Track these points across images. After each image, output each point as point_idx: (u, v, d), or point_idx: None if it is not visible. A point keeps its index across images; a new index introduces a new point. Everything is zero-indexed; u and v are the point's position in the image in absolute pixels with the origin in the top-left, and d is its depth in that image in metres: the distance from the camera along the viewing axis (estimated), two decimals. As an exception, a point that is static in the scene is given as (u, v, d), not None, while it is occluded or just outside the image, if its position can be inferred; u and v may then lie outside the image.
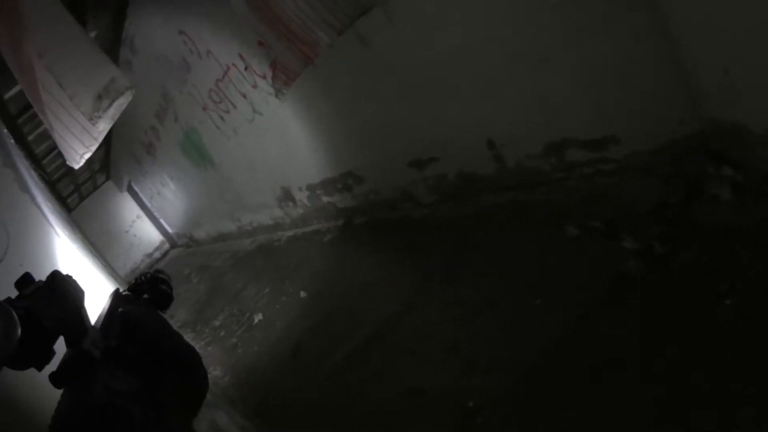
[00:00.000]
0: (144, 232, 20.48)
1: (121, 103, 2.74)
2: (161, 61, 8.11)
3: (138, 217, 20.27)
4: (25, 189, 2.44)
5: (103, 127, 2.77)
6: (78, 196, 17.60)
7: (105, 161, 16.20)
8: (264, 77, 6.52)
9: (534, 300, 3.43)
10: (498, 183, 5.00)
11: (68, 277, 1.59)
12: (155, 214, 19.29)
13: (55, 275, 1.51)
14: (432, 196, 5.95)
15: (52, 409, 1.36)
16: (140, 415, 1.52)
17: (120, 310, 1.92)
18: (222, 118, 8.31)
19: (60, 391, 1.41)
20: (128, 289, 2.27)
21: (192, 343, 7.12)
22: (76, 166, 2.99)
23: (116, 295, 2.02)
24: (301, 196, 8.52)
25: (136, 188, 18.39)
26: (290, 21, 5.32)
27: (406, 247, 5.56)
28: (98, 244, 17.44)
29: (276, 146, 7.95)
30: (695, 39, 3.01)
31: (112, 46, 7.84)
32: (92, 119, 2.66)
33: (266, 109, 7.12)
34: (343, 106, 6.04)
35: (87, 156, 2.93)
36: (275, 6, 5.34)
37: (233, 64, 6.78)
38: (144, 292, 2.29)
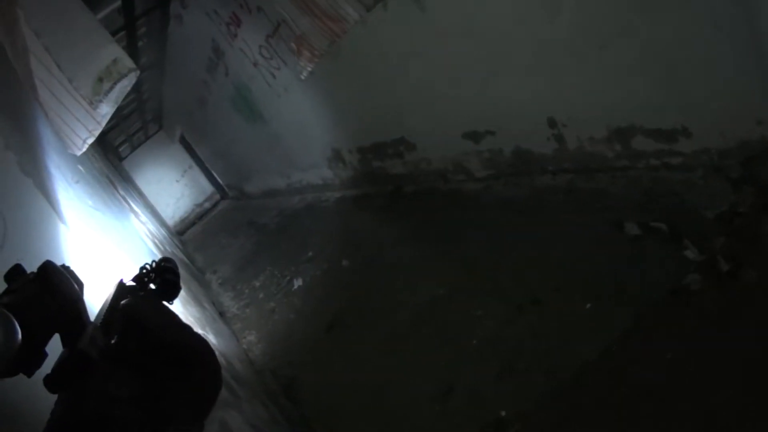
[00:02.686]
0: (195, 182, 20.74)
1: (125, 85, 2.55)
2: (211, 16, 7.95)
3: (189, 167, 20.50)
4: (29, 172, 2.27)
5: (105, 110, 2.59)
6: (129, 145, 17.85)
7: (157, 112, 16.29)
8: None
9: (584, 303, 3.19)
10: (556, 164, 4.72)
11: (63, 268, 1.39)
12: (207, 165, 19.46)
13: (47, 266, 1.32)
14: (485, 170, 5.68)
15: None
16: (140, 425, 1.33)
17: (122, 302, 1.73)
18: (273, 75, 8.12)
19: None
20: (132, 279, 2.10)
21: (231, 303, 7.22)
22: (78, 153, 2.82)
23: (119, 287, 1.84)
24: (352, 159, 8.34)
25: (188, 139, 18.52)
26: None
27: (454, 224, 5.32)
28: (148, 193, 17.76)
29: (327, 106, 7.77)
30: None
31: (162, 0, 7.69)
32: (92, 103, 2.48)
33: (318, 68, 6.90)
34: (398, 70, 5.78)
35: (90, 141, 2.76)
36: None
37: (284, 21, 6.55)
38: (149, 283, 2.11)
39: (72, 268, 1.41)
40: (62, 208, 2.51)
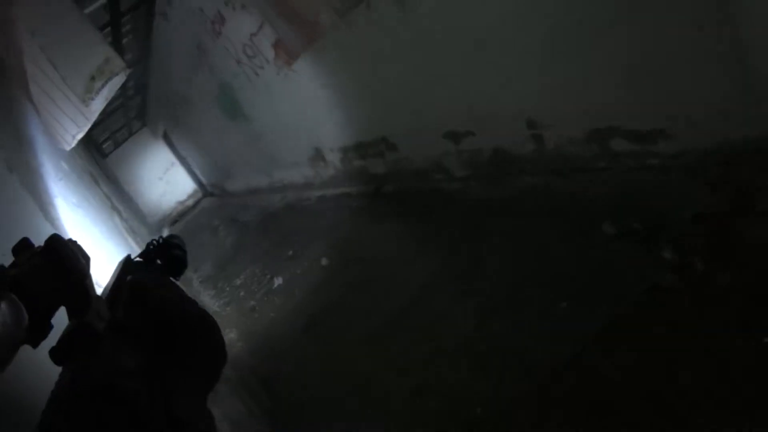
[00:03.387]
0: (177, 179, 20.72)
1: (116, 83, 2.57)
2: (196, 13, 7.94)
3: (172, 164, 20.47)
4: (15, 169, 2.27)
5: (96, 107, 2.61)
6: (113, 142, 17.79)
7: (141, 109, 16.22)
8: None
9: (560, 302, 3.21)
10: (534, 165, 4.74)
11: (70, 242, 1.40)
12: (189, 162, 19.40)
13: (54, 239, 1.33)
14: (465, 170, 5.71)
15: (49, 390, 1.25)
16: (146, 395, 1.35)
17: (129, 278, 1.74)
18: (256, 73, 8.13)
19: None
20: (139, 255, 2.10)
21: (211, 302, 7.20)
22: (68, 148, 2.84)
23: (126, 262, 1.84)
24: (333, 158, 8.35)
25: (171, 136, 18.45)
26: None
27: (433, 224, 5.35)
28: (131, 190, 17.68)
29: (310, 105, 7.75)
30: (765, 36, 2.72)
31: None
32: (84, 101, 2.49)
33: (300, 66, 6.90)
34: (380, 70, 5.78)
35: (80, 136, 2.78)
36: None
37: (266, 21, 6.55)
38: (156, 258, 2.11)
39: (79, 243, 1.40)
40: (47, 205, 2.51)
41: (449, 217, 5.31)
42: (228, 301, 7.30)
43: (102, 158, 15.92)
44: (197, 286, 8.96)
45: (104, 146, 17.07)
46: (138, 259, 2.10)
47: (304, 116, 8.15)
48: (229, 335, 6.10)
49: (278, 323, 5.71)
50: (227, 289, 7.85)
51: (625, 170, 3.89)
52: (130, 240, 6.57)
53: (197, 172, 19.46)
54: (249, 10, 6.75)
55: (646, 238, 3.21)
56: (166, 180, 20.51)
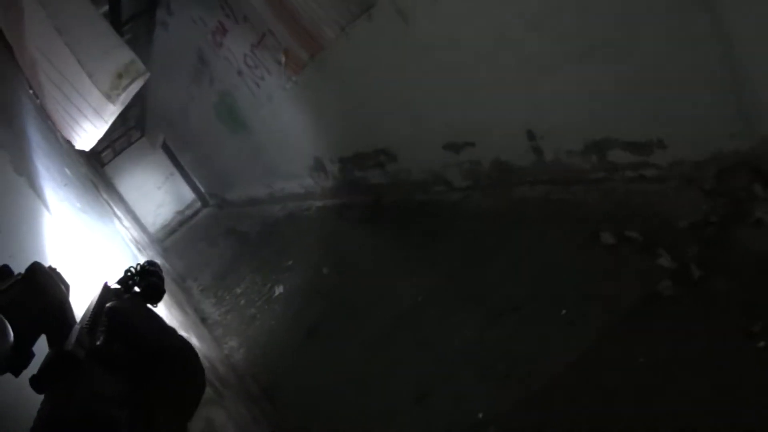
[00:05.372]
0: (176, 189, 20.69)
1: (135, 87, 2.62)
2: (197, 23, 7.98)
3: (171, 174, 20.44)
4: (22, 171, 2.31)
5: (114, 109, 2.66)
6: (112, 151, 17.78)
7: (140, 118, 16.24)
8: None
9: (559, 309, 3.26)
10: (534, 176, 4.80)
11: (51, 270, 1.44)
12: (189, 173, 19.40)
13: (34, 268, 1.36)
14: (465, 181, 5.76)
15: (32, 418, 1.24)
16: (126, 424, 1.37)
17: (107, 305, 1.77)
18: (257, 84, 8.17)
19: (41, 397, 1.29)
20: (117, 282, 2.13)
21: (212, 310, 7.24)
22: (87, 149, 2.88)
23: (105, 289, 1.88)
24: (333, 168, 8.40)
25: (170, 146, 18.46)
26: (297, 12, 5.22)
27: (434, 233, 5.39)
28: (130, 199, 17.66)
29: (310, 116, 7.81)
30: (757, 53, 2.80)
31: (148, 6, 7.74)
32: (110, 97, 2.54)
33: (302, 78, 6.96)
34: (381, 82, 5.84)
35: (98, 138, 2.83)
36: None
37: (269, 31, 6.61)
38: (134, 285, 2.15)
39: (59, 270, 1.45)
40: (54, 208, 2.55)
41: (449, 227, 5.37)
42: (229, 309, 7.33)
43: (101, 166, 15.94)
44: (198, 294, 8.99)
45: (103, 154, 17.08)
46: (116, 286, 2.13)
47: (305, 127, 8.20)
48: (230, 343, 6.14)
49: (279, 331, 5.74)
50: (228, 297, 7.88)
51: (623, 180, 3.95)
52: (132, 247, 6.58)
53: (197, 181, 19.44)
54: (251, 21, 6.81)
55: (643, 246, 3.27)
56: (165, 189, 20.49)
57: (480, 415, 2.95)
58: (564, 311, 3.23)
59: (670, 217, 3.34)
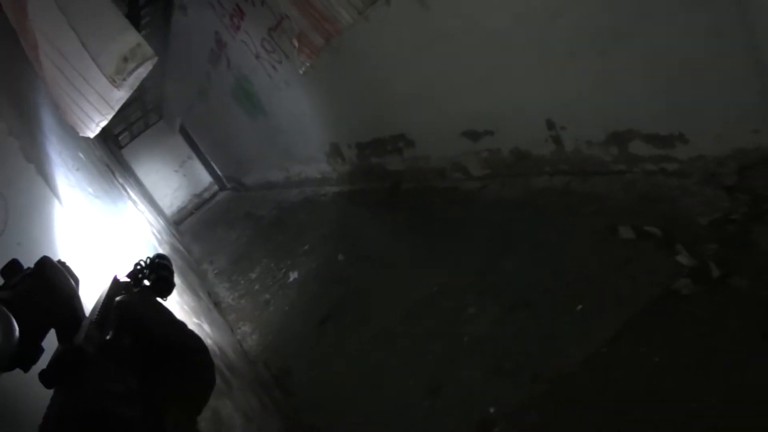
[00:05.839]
0: (194, 173, 20.79)
1: (141, 72, 2.57)
2: (215, 7, 7.95)
3: (189, 157, 20.54)
4: (32, 158, 2.29)
5: (121, 95, 2.61)
6: (129, 134, 17.86)
7: (158, 101, 16.27)
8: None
9: (575, 305, 3.21)
10: (553, 166, 4.73)
11: (60, 264, 1.41)
12: (206, 156, 19.46)
13: (44, 262, 1.34)
14: (483, 169, 5.69)
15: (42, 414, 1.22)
16: (137, 419, 1.34)
17: (117, 299, 1.74)
18: (274, 68, 8.13)
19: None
20: (127, 275, 2.11)
21: (226, 294, 7.25)
22: (92, 135, 2.84)
23: (114, 283, 1.85)
24: (350, 154, 8.36)
25: (188, 129, 18.51)
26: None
27: (450, 223, 5.34)
28: (147, 182, 17.75)
29: (327, 101, 7.78)
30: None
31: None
32: (115, 81, 2.49)
33: (319, 63, 6.90)
34: (399, 67, 5.77)
35: (103, 124, 2.79)
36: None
37: (287, 15, 6.55)
38: (144, 279, 2.12)
39: (68, 264, 1.42)
40: (63, 194, 2.53)
41: (466, 216, 5.31)
42: (243, 294, 7.34)
43: (118, 149, 16.01)
44: (212, 278, 9.02)
45: (120, 138, 17.17)
46: (126, 279, 2.10)
47: (322, 112, 8.18)
48: (243, 328, 6.15)
49: (293, 317, 5.74)
50: (242, 282, 7.89)
51: (644, 173, 3.87)
52: (147, 232, 6.60)
53: (214, 165, 19.51)
54: (268, 4, 6.75)
55: (662, 242, 3.20)
56: (182, 173, 20.59)
57: (491, 410, 2.92)
58: (579, 307, 3.17)
59: (690, 213, 3.26)
